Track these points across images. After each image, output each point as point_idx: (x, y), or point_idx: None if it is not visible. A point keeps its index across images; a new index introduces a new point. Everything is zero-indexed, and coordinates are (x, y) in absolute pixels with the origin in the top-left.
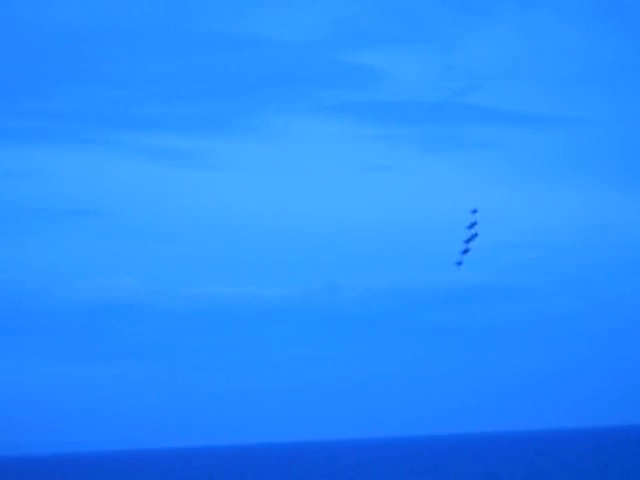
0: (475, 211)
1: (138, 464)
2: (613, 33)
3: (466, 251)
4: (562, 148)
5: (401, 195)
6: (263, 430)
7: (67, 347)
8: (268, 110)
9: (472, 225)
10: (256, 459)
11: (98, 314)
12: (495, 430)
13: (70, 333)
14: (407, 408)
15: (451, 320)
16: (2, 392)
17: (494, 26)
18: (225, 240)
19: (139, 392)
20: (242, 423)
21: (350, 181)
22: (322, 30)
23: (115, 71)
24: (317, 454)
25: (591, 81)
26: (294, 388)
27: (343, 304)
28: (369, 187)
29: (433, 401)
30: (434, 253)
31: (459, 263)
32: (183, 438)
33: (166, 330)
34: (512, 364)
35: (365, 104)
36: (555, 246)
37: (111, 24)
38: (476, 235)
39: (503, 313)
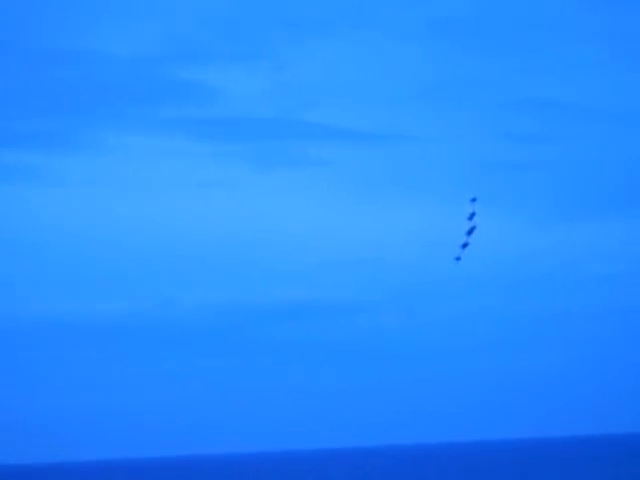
0: (474, 200)
1: None
2: (443, 51)
3: (465, 245)
4: (395, 165)
5: (234, 211)
6: (73, 451)
7: None
8: (102, 126)
9: (472, 216)
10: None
11: None
12: (346, 446)
13: None
14: (239, 424)
15: (285, 336)
16: None
17: (327, 44)
18: (57, 256)
19: None
20: (61, 441)
21: (184, 197)
22: (156, 46)
23: None
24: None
25: (422, 98)
26: (123, 405)
27: (177, 319)
28: (202, 203)
29: (267, 417)
30: (268, 269)
31: (458, 258)
32: None
33: None
34: (347, 380)
35: (199, 120)
36: (387, 262)
37: None
38: (475, 227)
39: (337, 329)
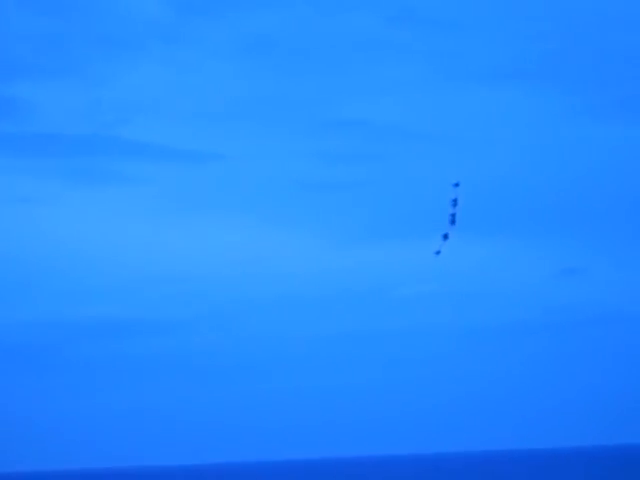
0: (457, 185)
1: None
2: (257, 70)
3: (446, 237)
4: (210, 183)
5: (49, 228)
6: None
7: None
8: None
9: (455, 203)
10: None
11: None
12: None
13: None
14: (54, 442)
15: (102, 353)
16: None
17: (143, 61)
18: None
19: None
20: None
21: None
22: None
23: None
24: None
25: (237, 117)
26: None
27: None
28: (17, 219)
29: (81, 434)
30: (83, 286)
31: (438, 252)
32: None
33: None
34: (166, 397)
35: (11, 136)
36: (205, 279)
37: None
38: (455, 215)
39: (155, 346)
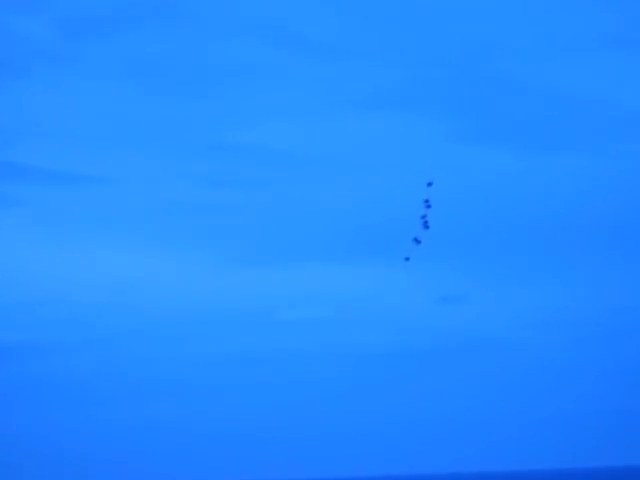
0: (430, 184)
1: None
2: (144, 93)
3: (418, 241)
4: (92, 206)
5: None
6: None
7: None
8: None
9: (427, 204)
10: None
11: None
12: None
13: None
14: None
15: None
16: None
17: (27, 84)
18: None
19: None
20: None
21: None
22: None
23: None
24: None
25: (123, 140)
26: None
27: None
28: None
29: None
30: None
31: (407, 259)
32: None
33: None
34: (47, 421)
35: None
36: (86, 302)
37: None
38: (427, 216)
39: (29, 370)
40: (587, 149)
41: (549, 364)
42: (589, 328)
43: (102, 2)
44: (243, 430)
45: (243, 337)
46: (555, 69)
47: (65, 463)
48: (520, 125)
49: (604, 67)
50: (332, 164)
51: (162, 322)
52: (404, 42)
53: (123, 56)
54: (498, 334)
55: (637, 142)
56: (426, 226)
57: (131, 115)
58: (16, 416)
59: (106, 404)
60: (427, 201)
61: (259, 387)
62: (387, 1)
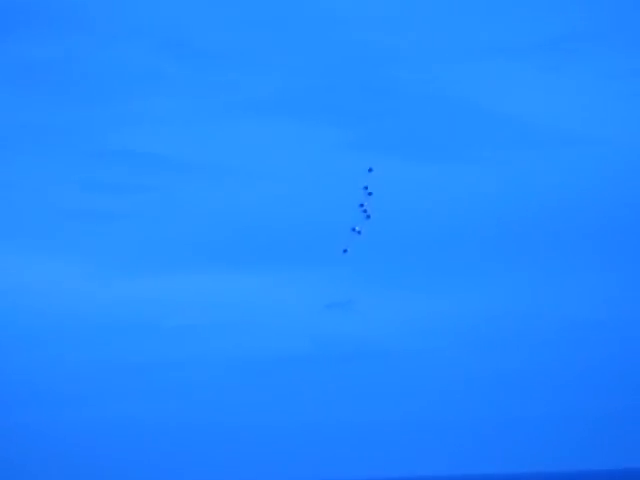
0: (371, 170)
1: None
2: (25, 97)
3: (358, 232)
4: None
5: None
6: None
7: None
8: None
9: (368, 192)
10: None
11: None
12: None
13: None
14: None
15: None
16: None
17: None
18: None
19: None
20: None
21: None
22: None
23: None
24: None
25: (3, 145)
26: None
27: None
28: None
29: None
30: None
31: (345, 250)
32: None
33: None
34: None
35: None
36: None
37: None
38: (365, 207)
39: None
40: (476, 158)
41: (435, 371)
42: (477, 335)
43: None
44: (132, 436)
45: (130, 344)
46: (443, 77)
47: None
48: (410, 133)
49: (494, 76)
50: (219, 170)
51: (45, 329)
52: (293, 49)
53: (6, 61)
54: (385, 341)
55: (519, 150)
56: (367, 216)
57: (16, 120)
58: None
59: None
60: (366, 188)
61: (145, 394)
62: (278, 7)
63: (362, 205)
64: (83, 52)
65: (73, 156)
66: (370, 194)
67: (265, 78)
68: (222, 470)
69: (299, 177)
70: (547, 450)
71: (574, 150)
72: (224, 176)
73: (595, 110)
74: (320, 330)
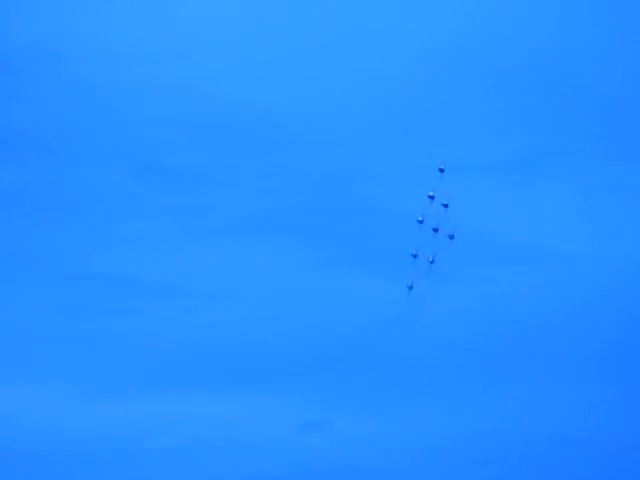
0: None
1: None
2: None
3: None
4: None
5: None
6: None
7: None
8: None
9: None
10: None
11: None
12: None
13: None
14: None
15: None
16: None
17: None
18: None
19: None
20: None
21: None
22: None
23: None
24: None
25: None
26: None
27: None
28: None
29: None
30: None
31: (410, 288)
32: None
33: None
34: None
35: None
36: None
37: None
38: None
39: None
40: (445, 277)
41: None
42: (458, 454)
43: None
44: None
45: (113, 466)
46: (413, 194)
47: None
48: (380, 251)
49: (465, 193)
50: (195, 292)
51: (23, 454)
52: (265, 170)
53: None
54: (363, 461)
55: (492, 266)
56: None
57: None
58: None
59: None
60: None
61: None
62: (252, 130)
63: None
64: (55, 175)
65: (47, 280)
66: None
67: (239, 200)
68: None
69: (275, 297)
70: None
71: (547, 267)
72: (200, 297)
73: (568, 225)
74: (296, 451)
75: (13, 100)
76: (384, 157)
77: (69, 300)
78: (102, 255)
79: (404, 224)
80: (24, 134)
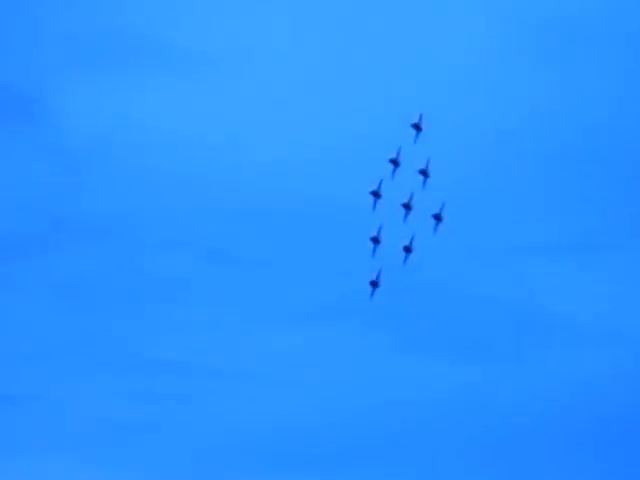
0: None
1: None
2: (67, 310)
3: None
4: (27, 424)
5: None
6: None
7: None
8: None
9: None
10: None
11: None
12: None
13: None
14: None
15: None
16: None
17: None
18: None
19: None
20: None
21: None
22: None
23: None
24: None
25: (50, 359)
26: None
27: None
28: None
29: None
30: None
31: None
32: None
33: None
34: None
35: None
36: None
37: None
38: None
39: None
40: (520, 358)
41: None
42: None
43: (21, 223)
44: None
45: None
46: (480, 277)
47: None
48: (452, 335)
49: (531, 274)
50: (259, 378)
51: None
52: (321, 254)
53: (47, 275)
54: None
55: (563, 349)
56: None
57: (56, 334)
58: None
59: None
60: None
61: None
62: (308, 215)
63: None
64: (120, 262)
65: (118, 368)
66: None
67: (303, 283)
68: None
69: (335, 384)
70: None
71: (619, 346)
72: (269, 384)
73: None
74: None
75: (80, 189)
76: (452, 238)
77: (136, 387)
78: (167, 341)
79: (482, 307)
80: (93, 223)
